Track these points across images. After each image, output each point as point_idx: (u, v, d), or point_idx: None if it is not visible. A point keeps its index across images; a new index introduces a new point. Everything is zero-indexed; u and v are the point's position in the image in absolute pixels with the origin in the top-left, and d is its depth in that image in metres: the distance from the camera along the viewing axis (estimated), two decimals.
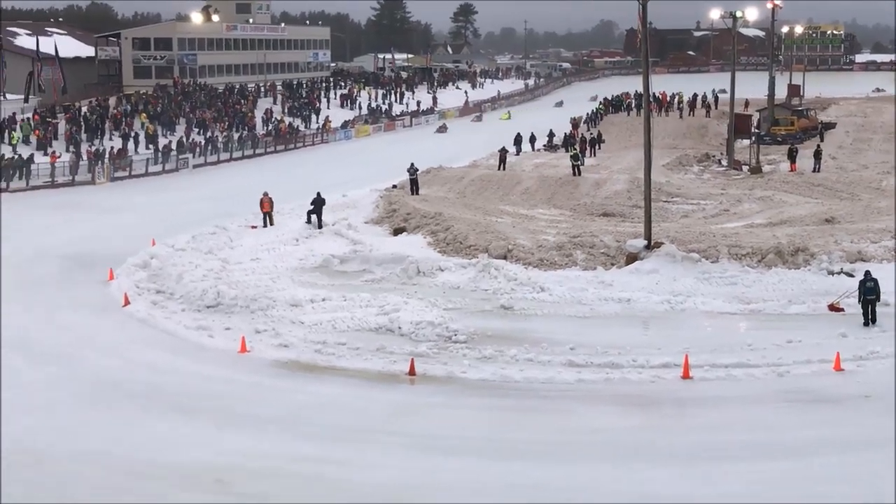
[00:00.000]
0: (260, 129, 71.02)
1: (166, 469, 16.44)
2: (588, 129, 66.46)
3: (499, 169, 49.90)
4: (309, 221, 37.36)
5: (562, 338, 24.32)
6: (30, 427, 18.40)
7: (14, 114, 58.89)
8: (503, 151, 51.59)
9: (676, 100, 77.34)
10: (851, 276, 28.11)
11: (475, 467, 16.72)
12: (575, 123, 67.00)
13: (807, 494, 15.51)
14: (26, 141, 55.72)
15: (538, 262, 31.02)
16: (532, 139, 62.16)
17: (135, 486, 15.72)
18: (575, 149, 49.85)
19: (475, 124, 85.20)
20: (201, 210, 43.29)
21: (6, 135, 55.37)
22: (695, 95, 76.87)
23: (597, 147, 57.71)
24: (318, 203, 37.42)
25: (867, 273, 25.74)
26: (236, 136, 67.30)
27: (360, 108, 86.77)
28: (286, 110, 78.54)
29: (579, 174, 45.74)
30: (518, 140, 60.42)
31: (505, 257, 31.32)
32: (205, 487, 15.60)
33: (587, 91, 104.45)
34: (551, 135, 63.76)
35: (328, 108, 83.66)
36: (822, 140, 59.13)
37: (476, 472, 16.46)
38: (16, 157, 51.15)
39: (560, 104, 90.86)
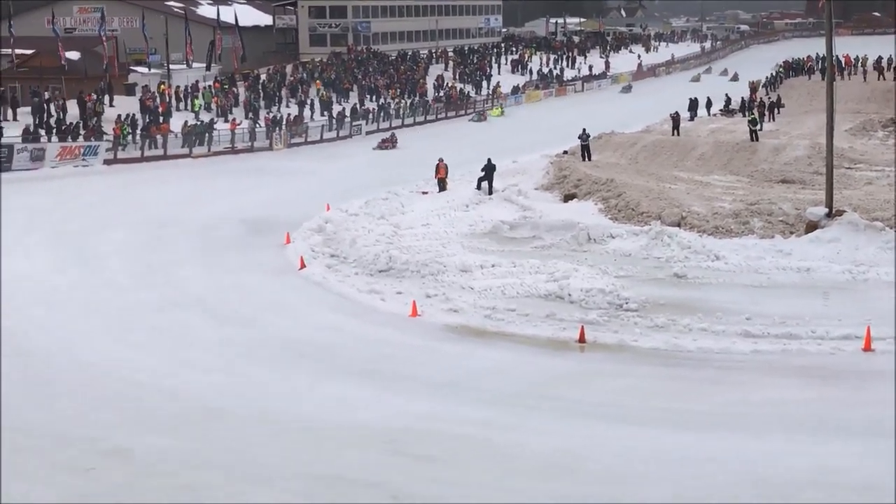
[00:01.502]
0: (431, 96, 71.57)
1: (339, 429, 16.77)
2: (767, 94, 64.46)
3: (672, 134, 48.92)
4: (479, 188, 37.45)
5: (737, 307, 23.70)
6: (210, 385, 19.05)
7: (196, 81, 61.01)
8: (676, 116, 50.53)
9: (860, 63, 74.15)
10: None
11: (646, 437, 16.45)
12: (753, 87, 65.07)
13: None
14: (208, 108, 57.64)
15: (713, 229, 30.30)
16: (708, 104, 60.72)
17: (309, 444, 16.09)
18: (753, 113, 48.33)
19: (654, 85, 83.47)
20: (373, 176, 44.01)
21: (189, 102, 57.43)
22: (879, 58, 73.51)
23: (776, 112, 55.87)
24: (489, 169, 37.45)
25: None
26: (408, 102, 68.01)
27: (531, 73, 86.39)
28: (457, 76, 78.88)
29: (757, 139, 44.37)
30: (693, 105, 59.11)
31: (679, 225, 30.70)
32: (377, 448, 15.85)
33: (765, 54, 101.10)
34: (728, 100, 62.14)
35: (499, 73, 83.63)
36: None
37: (647, 442, 16.19)
38: (198, 123, 52.94)
39: (734, 77, 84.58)
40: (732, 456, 15.63)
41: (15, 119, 48.65)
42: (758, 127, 45.43)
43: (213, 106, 58.14)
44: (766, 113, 53.72)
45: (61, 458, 15.12)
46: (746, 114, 52.15)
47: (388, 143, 55.45)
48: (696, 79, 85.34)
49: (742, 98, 60.53)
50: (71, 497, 13.73)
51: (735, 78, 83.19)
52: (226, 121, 55.68)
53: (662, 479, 14.55)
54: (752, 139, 44.47)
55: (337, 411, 17.68)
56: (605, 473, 14.87)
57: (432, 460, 15.44)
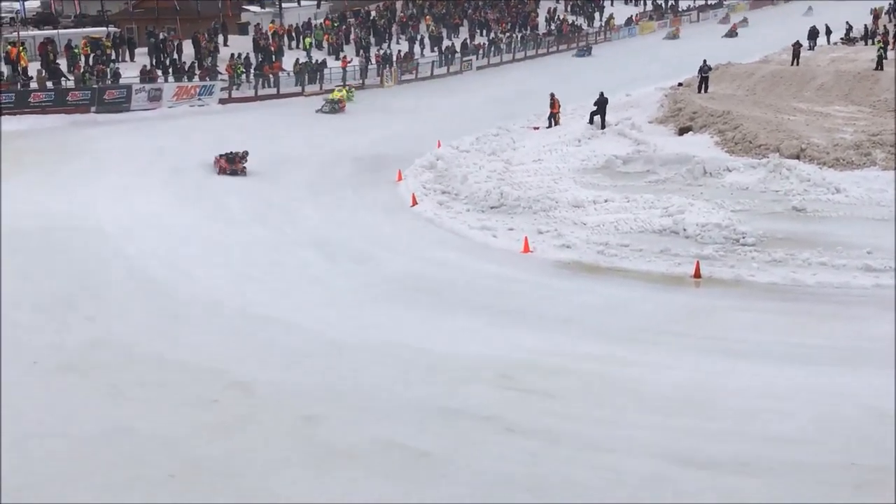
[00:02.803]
0: (542, 29, 70.75)
1: (454, 362, 16.91)
2: (890, 20, 62.07)
3: (792, 64, 47.53)
4: (592, 122, 37.04)
5: (858, 241, 23.16)
6: (328, 320, 19.36)
7: (308, 19, 61.34)
8: (797, 45, 49.06)
9: None
10: None
11: (766, 371, 16.23)
12: (876, 14, 62.72)
13: None
14: (318, 46, 57.96)
15: (833, 161, 29.52)
16: (828, 32, 58.77)
17: (423, 378, 16.26)
18: (880, 41, 46.56)
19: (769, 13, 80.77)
20: (484, 111, 43.85)
21: (300, 40, 57.83)
22: None
23: None
24: (602, 103, 36.97)
25: None
26: (519, 36, 67.36)
27: (645, 4, 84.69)
28: (569, 9, 77.77)
29: (882, 68, 42.84)
30: (813, 34, 57.26)
31: (797, 157, 29.97)
32: (490, 381, 15.94)
33: None
34: (849, 27, 60.06)
35: (612, 5, 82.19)
36: None
37: (767, 377, 15.98)
38: (309, 61, 53.30)
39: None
40: (856, 390, 15.38)
41: (132, 60, 49.63)
42: (883, 54, 43.88)
43: (325, 44, 58.44)
44: (892, 41, 51.81)
45: (186, 391, 15.56)
46: (870, 42, 50.37)
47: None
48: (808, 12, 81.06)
49: (865, 25, 58.46)
50: (195, 428, 14.15)
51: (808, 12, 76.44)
52: (337, 58, 55.93)
53: (788, 414, 14.37)
54: (877, 68, 42.98)
55: (451, 345, 17.81)
56: (730, 409, 14.74)
57: (547, 394, 15.48)
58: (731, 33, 71.54)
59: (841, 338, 18.01)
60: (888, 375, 15.89)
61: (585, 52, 66.37)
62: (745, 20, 76.47)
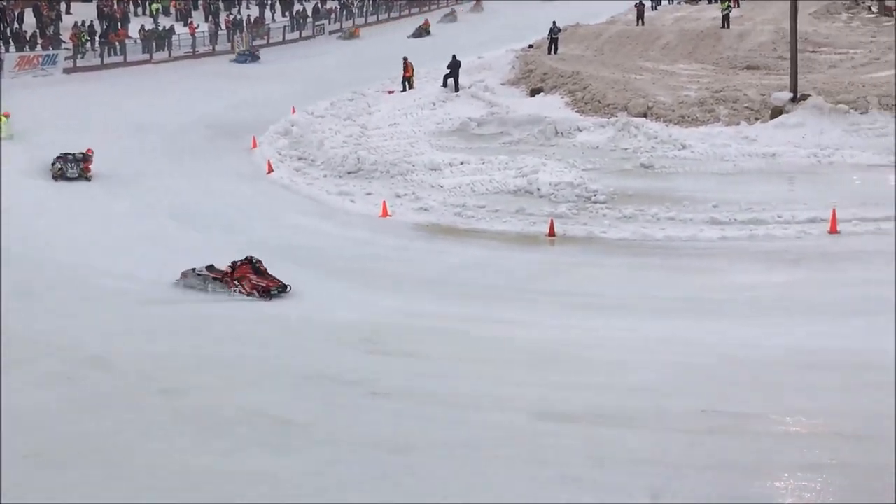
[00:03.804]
0: None
1: (317, 327, 17.02)
2: None
3: (637, 24, 48.64)
4: (445, 85, 37.26)
5: (704, 195, 24.00)
6: (188, 291, 19.16)
7: None
8: (640, 5, 50.18)
9: None
10: None
11: (623, 324, 16.76)
12: None
13: None
14: (165, 12, 56.60)
15: (679, 118, 30.41)
16: None
17: (290, 344, 16.32)
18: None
19: None
20: (339, 76, 43.64)
21: (147, 6, 56.39)
22: None
23: None
24: (454, 66, 37.22)
25: None
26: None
27: None
28: None
29: (728, 26, 44.16)
30: None
31: (645, 115, 30.77)
32: (354, 345, 16.08)
33: None
34: None
35: None
36: None
37: (625, 329, 16.49)
38: (157, 28, 52.09)
39: None
40: (709, 340, 15.97)
41: None
42: (729, 11, 45.24)
43: (172, 10, 57.13)
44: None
45: (41, 368, 15.25)
46: (713, 0, 51.82)
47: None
48: None
49: None
50: (59, 405, 13.91)
51: None
52: (185, 24, 54.79)
53: (645, 365, 14.87)
54: (723, 25, 44.32)
55: (313, 311, 17.89)
56: (590, 362, 15.16)
57: (412, 356, 15.72)
58: None
59: (692, 289, 18.70)
60: (739, 324, 16.63)
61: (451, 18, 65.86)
62: None
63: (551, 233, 22.37)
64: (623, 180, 25.62)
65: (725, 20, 44.48)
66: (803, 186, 24.48)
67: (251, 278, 18.77)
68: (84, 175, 27.78)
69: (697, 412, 13.09)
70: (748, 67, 38.05)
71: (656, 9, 56.06)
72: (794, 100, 29.56)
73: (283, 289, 18.68)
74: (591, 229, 22.53)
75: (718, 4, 47.89)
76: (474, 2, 69.54)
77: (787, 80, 30.75)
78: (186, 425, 13.31)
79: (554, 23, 42.51)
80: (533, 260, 20.98)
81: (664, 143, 28.26)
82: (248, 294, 18.68)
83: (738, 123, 29.59)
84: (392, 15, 65.99)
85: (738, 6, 52.26)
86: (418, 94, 37.45)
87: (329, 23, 60.76)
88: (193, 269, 19.19)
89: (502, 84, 37.17)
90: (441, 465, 11.95)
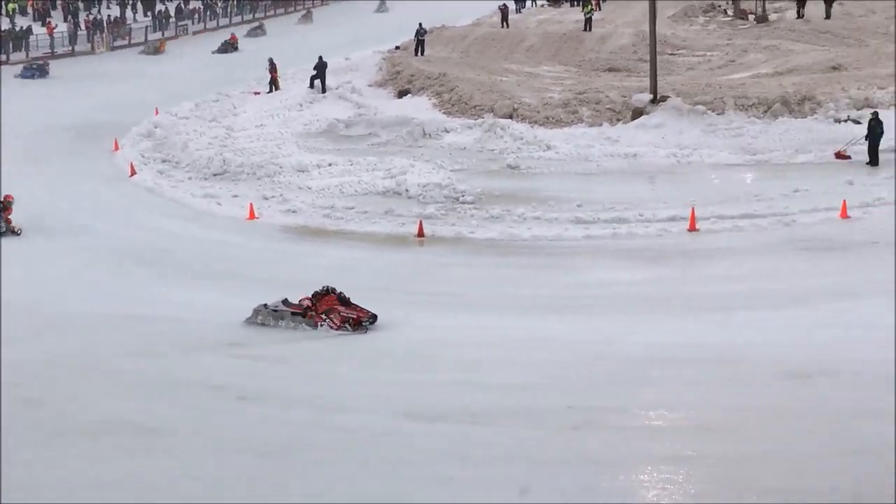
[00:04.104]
0: None
1: (182, 332, 16.76)
2: None
3: (501, 27, 49.15)
4: (312, 86, 37.06)
5: (569, 195, 24.43)
6: (49, 296, 18.67)
7: None
8: (504, 8, 50.71)
9: None
10: (858, 122, 28.01)
11: (489, 322, 16.96)
12: None
13: (813, 340, 15.74)
14: (23, 12, 54.95)
15: (544, 120, 30.89)
16: None
17: (153, 350, 16.02)
18: (590, 3, 48.81)
19: None
20: (203, 77, 42.97)
21: (3, 6, 54.60)
22: None
23: (601, 0, 56.63)
24: (321, 67, 37.05)
25: (874, 113, 26.28)
26: (235, 1, 66.25)
27: None
28: None
29: (591, 29, 44.99)
30: None
31: (510, 116, 31.17)
32: (220, 350, 15.91)
33: None
34: None
35: None
36: None
37: (491, 327, 16.68)
38: (14, 28, 50.50)
39: None
40: (574, 337, 16.26)
41: None
42: (591, 14, 46.06)
43: (29, 9, 55.44)
44: (594, 2, 54.40)
45: None
46: (575, 3, 52.65)
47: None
48: None
49: None
50: None
51: None
52: (43, 24, 53.24)
53: (511, 362, 15.05)
54: (585, 28, 45.10)
55: (178, 315, 17.61)
56: (457, 361, 15.28)
57: (279, 360, 15.62)
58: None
59: (558, 287, 19.04)
60: (603, 321, 16.98)
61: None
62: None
63: (420, 234, 22.46)
64: (490, 181, 25.91)
65: (587, 23, 45.30)
66: (664, 186, 25.14)
67: (339, 310, 16.94)
68: (9, 229, 22.95)
69: (563, 408, 13.28)
70: (610, 69, 38.88)
71: (520, 11, 56.65)
72: (653, 101, 30.34)
73: (373, 319, 16.90)
74: (459, 230, 22.70)
75: (580, 8, 48.73)
76: (304, 12, 66.85)
77: (647, 82, 31.52)
78: (49, 435, 12.93)
79: (420, 24, 42.68)
80: (402, 261, 21.04)
81: (530, 144, 28.67)
82: (339, 328, 16.83)
83: (600, 124, 30.22)
84: (258, 15, 65.11)
85: (600, 9, 53.25)
86: (285, 95, 37.15)
87: (192, 23, 59.77)
88: (265, 305, 17.22)
89: (369, 85, 37.21)
90: (309, 468, 11.88)
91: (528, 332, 16.50)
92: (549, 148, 28.34)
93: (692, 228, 21.97)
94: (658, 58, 32.24)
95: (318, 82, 36.92)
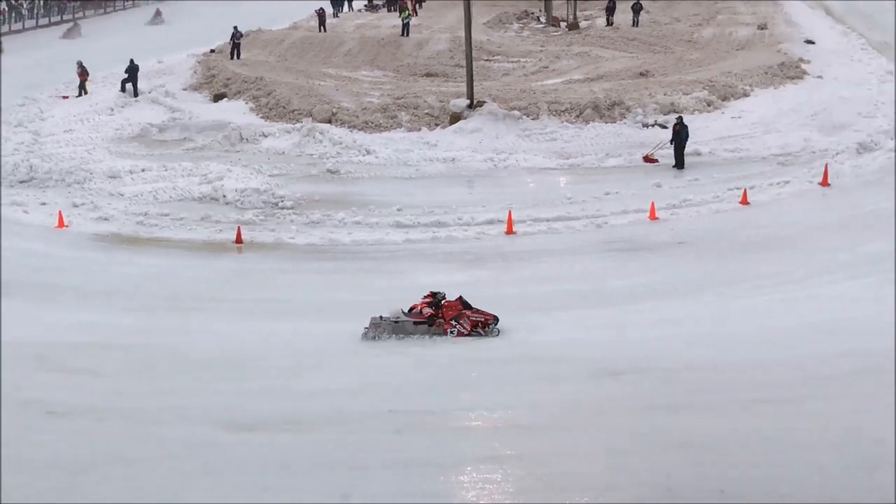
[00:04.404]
0: None
1: None
2: None
3: (319, 31, 48.96)
4: (123, 90, 35.99)
5: (389, 199, 24.52)
6: None
7: None
8: (321, 12, 50.50)
9: None
10: (665, 127, 29.07)
11: (311, 329, 16.87)
12: None
13: (625, 338, 16.27)
14: None
15: (363, 124, 30.91)
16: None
17: None
18: (407, 8, 49.13)
19: None
20: (7, 80, 41.21)
21: None
22: None
23: (418, 5, 57.12)
24: (133, 70, 36.02)
25: (679, 118, 27.46)
26: (41, 1, 63.84)
27: None
28: None
29: (407, 35, 45.28)
30: (338, 1, 59.12)
31: (329, 121, 31.07)
32: (28, 364, 15.25)
33: None
34: None
35: None
36: None
37: (308, 333, 16.60)
38: None
39: None
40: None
41: None
42: (409, 20, 46.35)
43: None
44: (411, 7, 54.79)
45: None
46: (392, 8, 52.90)
47: None
48: None
49: None
50: None
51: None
52: None
53: (331, 368, 15.07)
54: (403, 34, 45.35)
55: None
56: (276, 368, 15.22)
57: (91, 372, 15.11)
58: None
59: (379, 291, 19.00)
60: None
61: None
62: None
63: (238, 240, 22.12)
64: (310, 186, 25.76)
65: (405, 28, 45.62)
66: (481, 189, 25.54)
67: (467, 314, 16.68)
68: None
69: (383, 413, 13.33)
70: (427, 74, 39.26)
71: (337, 16, 56.57)
72: (471, 106, 30.73)
73: (496, 321, 16.71)
74: (278, 235, 22.48)
75: (397, 13, 49.03)
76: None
77: (464, 88, 31.92)
78: None
79: (235, 27, 42.09)
80: (219, 268, 20.68)
81: (349, 149, 28.64)
82: (469, 333, 16.59)
83: (419, 129, 30.43)
84: (66, 17, 62.86)
85: (417, 15, 53.72)
86: (95, 99, 35.97)
87: None
88: (381, 317, 16.69)
89: (184, 89, 36.48)
90: (124, 482, 11.55)
91: (349, 338, 16.46)
92: (368, 152, 28.38)
93: (509, 231, 22.36)
94: (474, 63, 32.71)
95: (129, 86, 35.90)
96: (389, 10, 56.59)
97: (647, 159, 27.25)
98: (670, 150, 26.84)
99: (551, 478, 11.63)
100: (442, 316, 16.72)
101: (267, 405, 13.65)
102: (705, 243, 21.25)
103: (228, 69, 37.67)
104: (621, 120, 30.56)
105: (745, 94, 33.55)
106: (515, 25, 53.29)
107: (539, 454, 12.21)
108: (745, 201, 23.80)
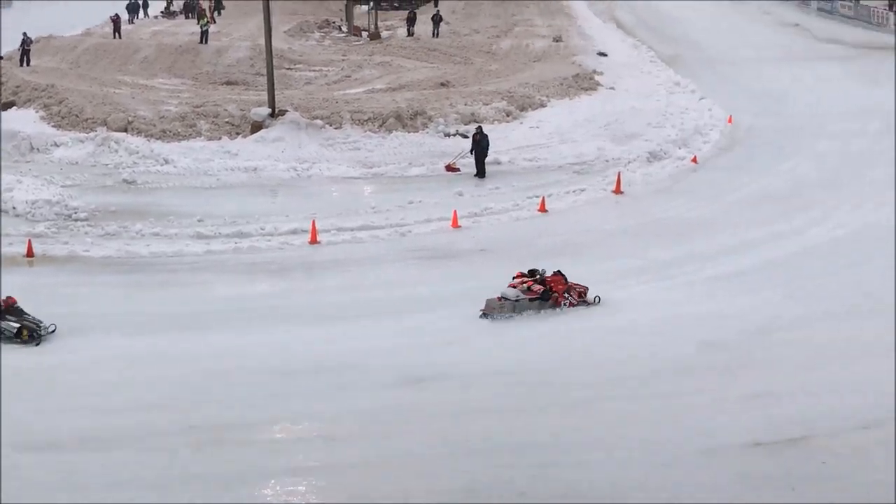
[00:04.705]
0: None
1: None
2: None
3: (114, 37, 47.54)
4: None
5: (189, 210, 24.02)
6: None
7: None
8: (116, 18, 49.06)
9: None
10: (466, 136, 29.55)
11: (109, 343, 16.31)
12: None
13: (427, 345, 16.44)
14: None
15: (161, 133, 30.23)
16: (145, 6, 59.26)
17: None
18: (205, 15, 48.25)
19: None
20: None
21: None
22: None
23: (216, 13, 56.27)
24: None
25: (479, 128, 27.88)
26: None
27: None
28: None
29: (206, 42, 44.50)
30: (133, 7, 57.56)
31: (125, 130, 30.24)
32: None
33: None
34: (169, 1, 61.33)
35: None
36: (436, 5, 60.74)
37: (111, 349, 16.05)
38: None
39: None
40: (195, 353, 16.02)
41: None
42: (207, 27, 45.62)
43: None
44: (209, 15, 53.92)
45: None
46: (190, 16, 51.98)
47: None
48: None
49: (186, 1, 60.15)
50: None
51: None
52: None
53: (129, 384, 14.62)
54: (202, 41, 44.56)
55: None
56: (74, 385, 14.68)
57: None
58: None
59: (180, 303, 18.60)
60: (226, 335, 16.81)
61: None
62: None
63: (29, 253, 21.20)
64: (105, 196, 25.01)
65: (203, 36, 44.86)
66: (285, 199, 25.35)
67: (574, 286, 18.16)
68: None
69: (185, 428, 13.05)
70: (227, 83, 38.75)
71: (133, 22, 55.10)
72: (272, 115, 30.48)
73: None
74: (72, 248, 21.66)
75: (196, 20, 48.16)
76: None
77: (265, 96, 31.64)
78: None
79: (25, 34, 40.48)
80: (9, 283, 19.68)
81: (146, 159, 27.95)
82: (577, 304, 18.03)
83: (219, 138, 30.00)
84: None
85: (215, 22, 52.92)
86: None
87: None
88: (501, 297, 17.70)
89: None
90: None
91: (147, 351, 16.04)
92: (166, 162, 27.75)
93: (313, 241, 22.25)
94: (276, 72, 32.50)
95: None
96: (187, 17, 55.54)
97: (450, 168, 27.65)
98: (472, 160, 27.30)
99: (356, 487, 11.68)
100: (555, 290, 17.88)
101: (60, 423, 13.20)
102: (506, 250, 21.68)
103: (18, 76, 36.23)
104: (423, 129, 30.91)
105: (543, 105, 34.52)
106: (317, 34, 53.20)
107: (345, 464, 12.23)
108: (543, 209, 24.49)
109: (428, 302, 18.51)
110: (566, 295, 18.02)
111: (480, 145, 27.09)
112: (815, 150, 30.25)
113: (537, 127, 32.12)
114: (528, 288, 17.90)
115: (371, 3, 54.04)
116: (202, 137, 30.12)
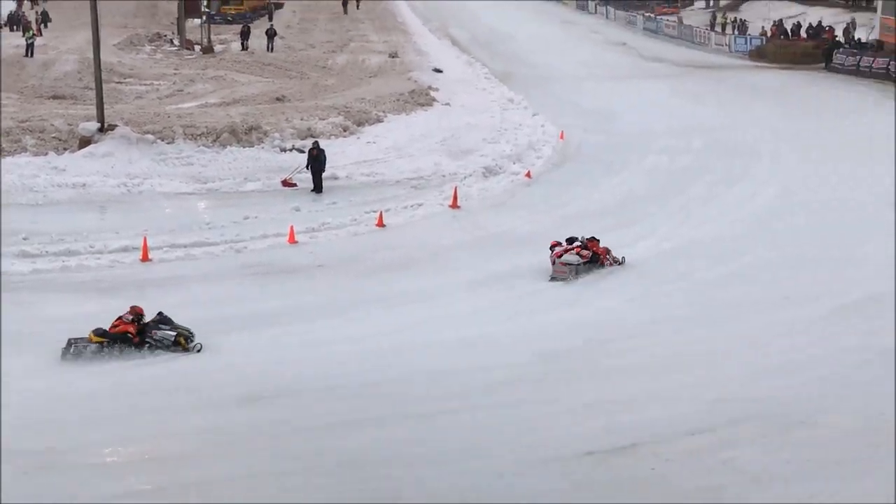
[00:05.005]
0: None
1: None
2: (32, 7, 62.40)
3: None
4: None
5: (13, 227, 23.02)
6: None
7: None
8: None
9: None
10: (302, 151, 29.35)
11: None
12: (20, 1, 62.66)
13: (269, 362, 16.25)
14: None
15: None
16: None
17: None
18: (31, 27, 46.71)
19: None
20: None
21: None
22: None
23: (43, 25, 54.51)
24: None
25: (316, 143, 27.76)
26: None
27: None
28: None
29: (32, 55, 43.08)
30: None
31: None
32: None
33: None
34: None
35: None
36: (270, 20, 60.36)
37: None
38: None
39: None
40: (24, 377, 15.38)
41: None
42: (33, 40, 44.25)
43: None
44: (35, 27, 52.27)
45: None
46: (15, 28, 50.33)
47: None
48: None
49: (10, 13, 58.13)
50: None
51: None
52: None
53: None
54: (27, 54, 43.17)
55: None
56: None
57: None
58: None
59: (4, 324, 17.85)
60: (52, 358, 16.28)
61: None
62: None
63: None
64: None
65: (29, 48, 43.48)
66: (115, 216, 24.66)
67: (608, 249, 21.19)
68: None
69: (17, 451, 12.55)
70: (54, 97, 37.56)
71: None
72: (101, 130, 29.62)
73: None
74: None
75: (21, 32, 46.63)
76: None
77: (94, 111, 30.74)
78: None
79: None
80: None
81: None
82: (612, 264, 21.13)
83: (46, 154, 28.92)
84: None
85: (41, 35, 51.29)
86: None
87: None
88: (563, 263, 20.40)
89: None
90: None
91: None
92: None
93: (145, 258, 21.73)
94: (105, 86, 31.61)
95: None
96: (12, 30, 53.61)
97: (286, 183, 27.42)
98: (308, 175, 27.15)
99: None
100: (598, 252, 20.75)
101: None
102: (344, 265, 21.67)
103: None
104: (259, 144, 30.53)
105: (379, 120, 34.60)
106: (148, 48, 52.15)
107: (180, 485, 11.94)
108: (381, 224, 24.53)
109: (265, 317, 18.31)
110: (608, 256, 20.90)
111: (317, 160, 26.96)
112: (642, 165, 31.10)
113: (374, 142, 32.17)
114: (577, 254, 20.52)
115: (204, 17, 53.27)
116: (28, 153, 28.99)
